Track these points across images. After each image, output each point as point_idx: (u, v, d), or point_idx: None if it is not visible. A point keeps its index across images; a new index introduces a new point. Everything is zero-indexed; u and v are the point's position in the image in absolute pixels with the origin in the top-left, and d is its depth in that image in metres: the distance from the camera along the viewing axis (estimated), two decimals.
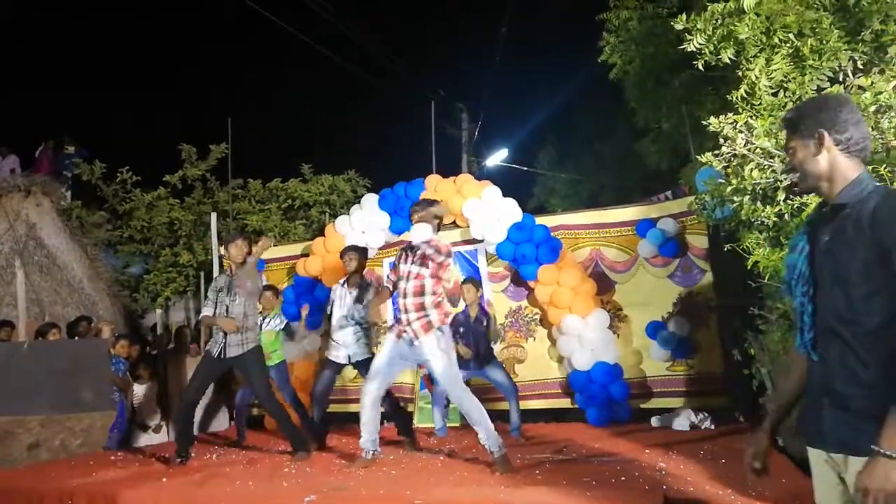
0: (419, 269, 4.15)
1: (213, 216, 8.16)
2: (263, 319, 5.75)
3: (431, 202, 4.46)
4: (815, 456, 1.77)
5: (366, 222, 6.96)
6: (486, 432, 3.99)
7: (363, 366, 5.07)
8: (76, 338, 6.46)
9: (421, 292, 4.15)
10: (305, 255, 7.35)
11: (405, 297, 4.17)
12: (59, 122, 10.87)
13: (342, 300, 5.39)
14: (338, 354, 5.31)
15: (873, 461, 1.50)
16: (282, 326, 5.89)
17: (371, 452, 4.32)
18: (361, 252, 5.63)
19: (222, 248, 4.91)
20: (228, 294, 4.84)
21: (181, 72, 14.86)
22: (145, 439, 6.16)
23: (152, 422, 6.33)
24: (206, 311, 4.91)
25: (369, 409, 4.27)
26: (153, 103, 13.84)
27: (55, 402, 5.15)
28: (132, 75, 14.18)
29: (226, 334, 4.76)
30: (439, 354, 4.06)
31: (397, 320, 4.29)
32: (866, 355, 1.62)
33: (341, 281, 5.54)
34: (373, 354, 5.02)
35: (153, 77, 14.84)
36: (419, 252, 4.20)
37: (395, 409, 5.35)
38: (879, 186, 1.70)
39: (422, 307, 4.13)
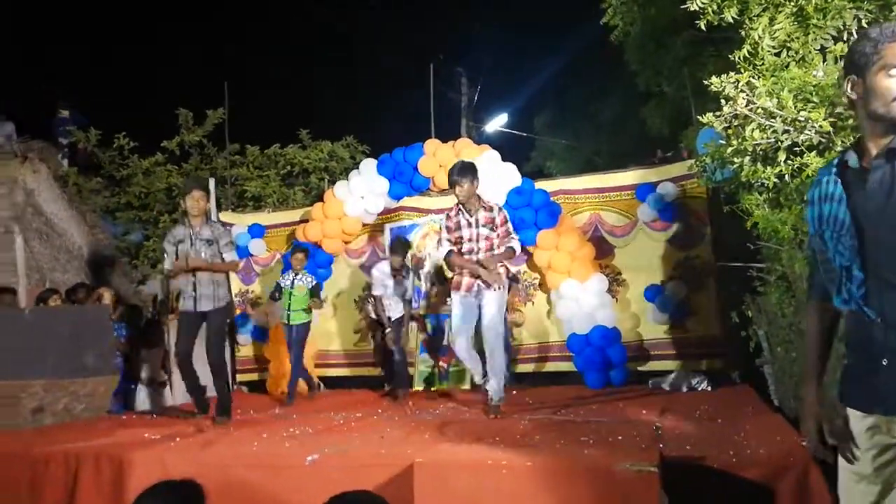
0: (488, 232, 4.61)
1: (212, 182, 8.11)
2: (295, 277, 6.18)
3: (473, 171, 4.62)
4: (858, 419, 1.64)
5: (365, 188, 6.94)
6: (498, 384, 4.61)
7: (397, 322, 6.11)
8: (75, 304, 6.49)
9: (490, 249, 4.63)
10: (305, 220, 7.34)
11: (477, 254, 4.62)
12: (55, 88, 10.70)
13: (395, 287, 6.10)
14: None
15: None
16: (311, 284, 6.20)
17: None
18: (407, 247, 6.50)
19: (184, 202, 4.81)
20: (192, 246, 4.73)
21: (177, 35, 14.60)
22: (149, 403, 6.24)
23: (157, 386, 6.41)
24: (167, 264, 4.87)
25: (468, 360, 4.82)
26: (148, 68, 13.64)
27: (58, 367, 5.18)
28: (126, 38, 13.95)
29: (195, 287, 4.70)
30: (495, 304, 4.59)
31: (467, 276, 4.67)
32: None
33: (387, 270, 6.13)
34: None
35: (148, 40, 14.61)
36: (484, 216, 4.62)
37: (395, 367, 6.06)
38: None
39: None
